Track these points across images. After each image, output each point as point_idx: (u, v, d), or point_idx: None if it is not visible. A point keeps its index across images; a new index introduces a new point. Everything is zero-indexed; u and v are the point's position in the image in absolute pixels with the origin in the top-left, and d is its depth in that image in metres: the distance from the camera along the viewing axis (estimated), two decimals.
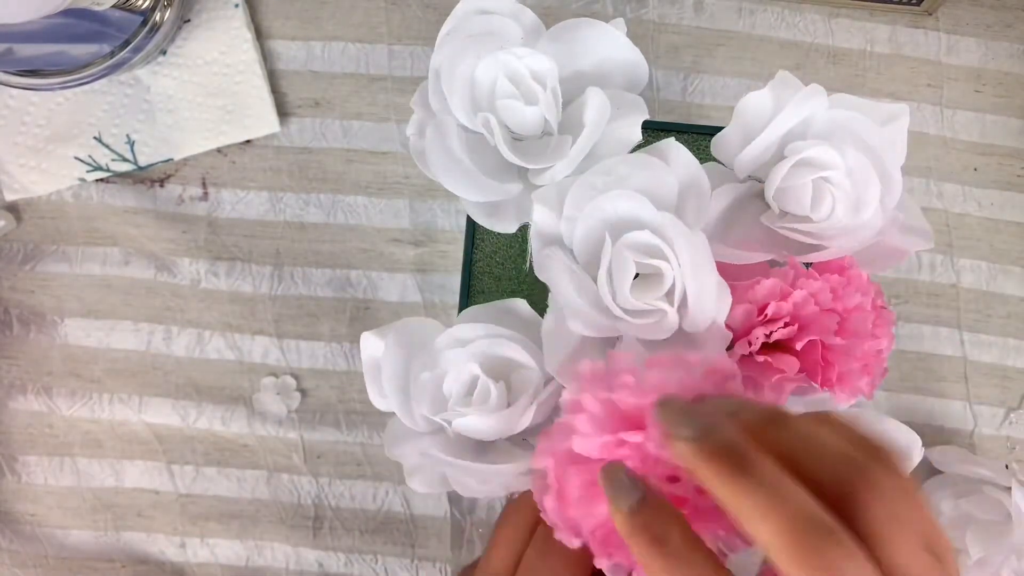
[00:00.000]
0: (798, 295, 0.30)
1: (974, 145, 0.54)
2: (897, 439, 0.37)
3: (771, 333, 0.30)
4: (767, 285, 0.31)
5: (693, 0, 0.54)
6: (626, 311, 0.30)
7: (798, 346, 0.31)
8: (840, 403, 0.33)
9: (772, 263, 0.34)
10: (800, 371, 0.31)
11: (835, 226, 0.31)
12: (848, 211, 0.31)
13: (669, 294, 0.30)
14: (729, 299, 0.30)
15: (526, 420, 0.32)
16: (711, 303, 0.30)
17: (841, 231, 0.31)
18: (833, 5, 0.54)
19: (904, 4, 0.53)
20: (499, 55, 0.33)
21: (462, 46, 0.33)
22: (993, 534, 0.49)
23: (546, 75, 0.33)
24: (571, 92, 0.34)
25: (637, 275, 0.31)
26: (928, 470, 0.52)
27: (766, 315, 0.30)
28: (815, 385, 0.32)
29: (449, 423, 0.33)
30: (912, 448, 0.37)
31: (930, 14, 0.54)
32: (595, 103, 0.33)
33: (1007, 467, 0.53)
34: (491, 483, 0.33)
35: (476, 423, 0.32)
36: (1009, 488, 0.48)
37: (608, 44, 0.34)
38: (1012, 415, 0.54)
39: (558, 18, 0.35)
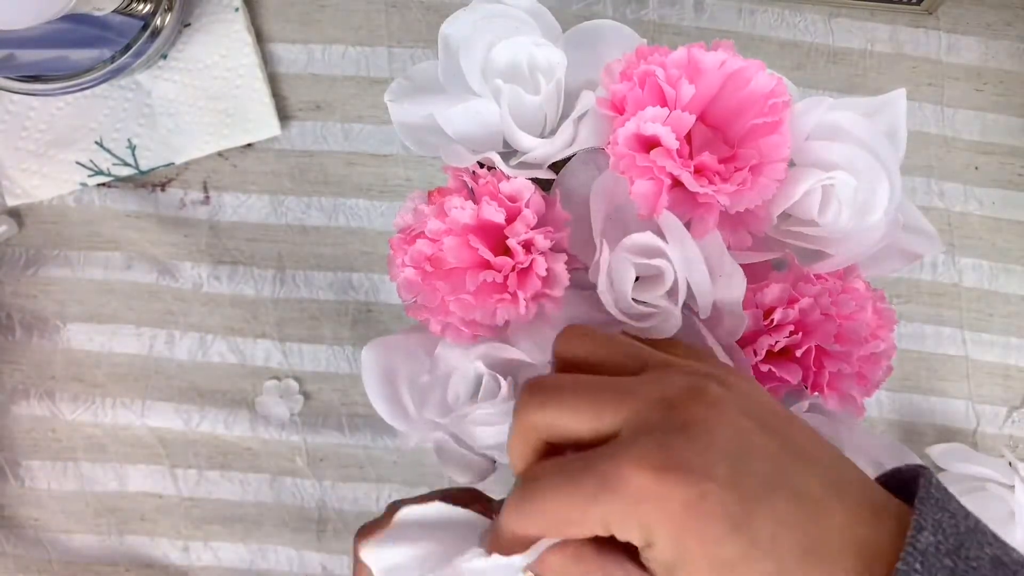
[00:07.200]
0: (805, 303, 0.30)
1: (975, 144, 0.54)
2: None
3: (777, 342, 0.30)
4: (775, 290, 0.31)
5: (693, 1, 0.54)
6: (628, 315, 0.30)
7: (798, 353, 0.31)
8: (831, 407, 0.33)
9: (776, 264, 0.33)
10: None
11: (841, 230, 0.31)
12: (854, 214, 0.31)
13: (671, 292, 0.30)
14: (743, 281, 0.30)
15: None
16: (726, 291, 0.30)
17: (845, 235, 0.31)
18: (833, 5, 0.54)
19: (904, 3, 0.53)
20: (518, 38, 0.32)
21: (482, 23, 0.33)
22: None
23: (555, 68, 0.33)
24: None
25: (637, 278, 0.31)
26: (931, 468, 0.52)
27: (772, 320, 0.30)
28: (805, 389, 0.32)
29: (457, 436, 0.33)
30: None
31: (930, 13, 0.54)
32: (584, 102, 0.33)
33: (1010, 464, 0.53)
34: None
35: (491, 431, 0.32)
36: (1012, 486, 0.48)
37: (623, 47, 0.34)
38: (1014, 414, 0.54)
39: (559, 20, 0.35)
